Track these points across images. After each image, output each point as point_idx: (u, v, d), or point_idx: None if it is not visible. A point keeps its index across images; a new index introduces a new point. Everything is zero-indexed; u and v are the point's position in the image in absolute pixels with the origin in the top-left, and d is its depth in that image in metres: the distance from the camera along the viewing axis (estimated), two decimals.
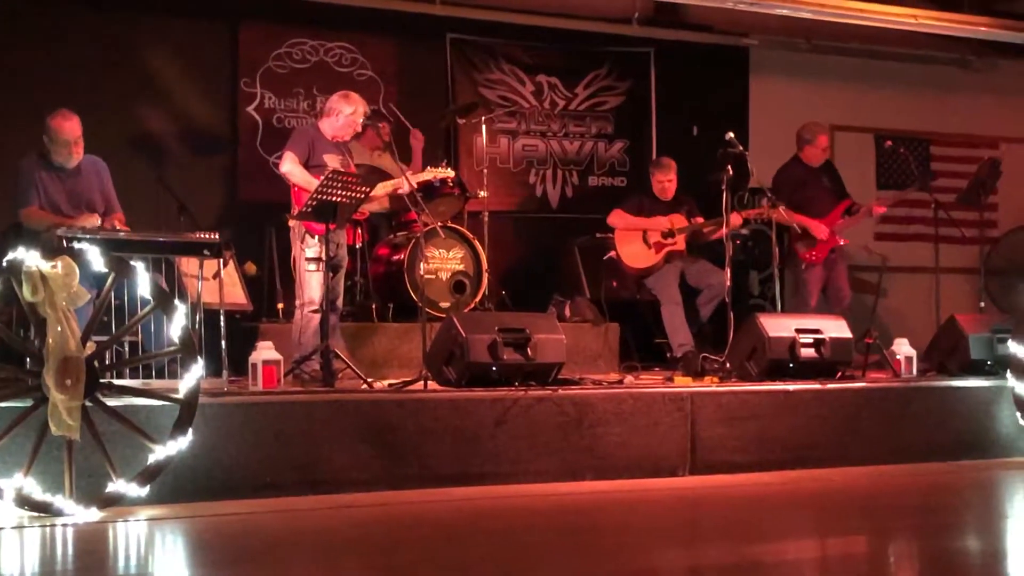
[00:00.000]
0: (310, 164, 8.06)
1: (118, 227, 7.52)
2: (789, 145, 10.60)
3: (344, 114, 8.20)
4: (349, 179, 7.70)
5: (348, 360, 7.74)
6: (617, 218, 9.75)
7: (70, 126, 7.53)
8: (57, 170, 7.58)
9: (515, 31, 10.86)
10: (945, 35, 11.42)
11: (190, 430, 6.11)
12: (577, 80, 11.15)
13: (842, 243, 9.69)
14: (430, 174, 8.87)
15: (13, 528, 5.69)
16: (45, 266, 5.88)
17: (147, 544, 5.65)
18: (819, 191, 9.72)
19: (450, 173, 9.06)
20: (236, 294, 8.12)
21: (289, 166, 8.05)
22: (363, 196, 7.83)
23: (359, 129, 8.44)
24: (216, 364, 7.03)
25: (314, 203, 7.56)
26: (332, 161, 8.06)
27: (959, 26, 10.98)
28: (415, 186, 8.33)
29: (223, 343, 7.09)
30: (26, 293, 5.86)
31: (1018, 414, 8.06)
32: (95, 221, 7.34)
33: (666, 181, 9.73)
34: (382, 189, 8.53)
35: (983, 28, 11.02)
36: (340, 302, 8.30)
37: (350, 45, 10.37)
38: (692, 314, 9.49)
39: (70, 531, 5.70)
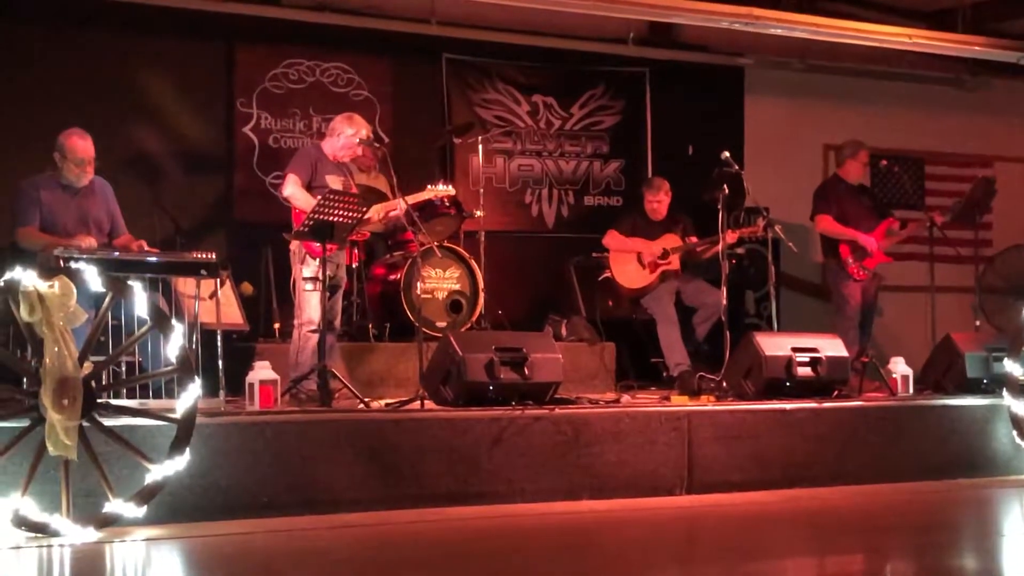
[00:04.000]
0: (313, 185, 8.07)
1: (147, 249, 7.51)
2: (784, 164, 10.64)
3: (345, 135, 8.21)
4: (347, 199, 7.71)
5: (345, 380, 7.75)
6: (611, 239, 9.78)
7: (84, 145, 7.53)
8: (66, 188, 7.57)
9: (510, 51, 10.90)
10: (939, 54, 11.47)
11: (187, 450, 6.10)
12: (573, 100, 11.18)
13: (889, 260, 9.71)
14: (430, 193, 8.90)
15: (10, 549, 5.67)
16: (42, 286, 5.87)
17: (144, 564, 5.64)
18: (860, 208, 9.70)
19: (450, 191, 9.08)
20: (233, 314, 8.12)
21: (291, 189, 8.06)
22: (360, 216, 7.84)
23: (358, 152, 8.46)
24: (213, 384, 7.03)
25: (311, 222, 7.58)
26: (334, 182, 8.08)
27: (953, 45, 11.01)
28: (409, 204, 8.34)
29: (220, 363, 7.10)
30: (23, 313, 5.86)
31: (1014, 432, 8.07)
32: (92, 242, 7.34)
33: (655, 202, 9.75)
34: (380, 210, 8.55)
35: (977, 47, 11.05)
36: (338, 322, 8.31)
37: (346, 65, 10.39)
38: (688, 333, 9.49)
39: (67, 551, 5.69)
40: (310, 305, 7.91)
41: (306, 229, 7.63)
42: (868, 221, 9.64)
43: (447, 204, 9.19)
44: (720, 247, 8.95)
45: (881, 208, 9.97)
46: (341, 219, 7.65)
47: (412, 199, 8.54)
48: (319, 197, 7.64)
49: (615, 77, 11.30)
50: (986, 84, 12.54)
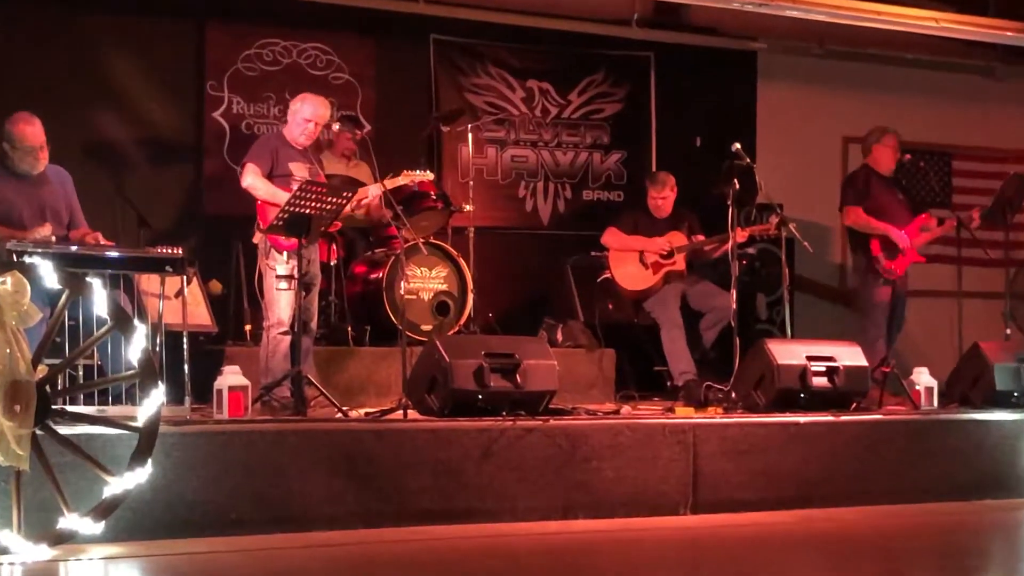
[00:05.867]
0: (275, 174, 8.04)
1: (104, 242, 7.47)
2: (800, 157, 10.62)
3: (300, 114, 8.16)
4: (322, 190, 7.69)
5: (321, 387, 7.74)
6: (611, 237, 9.76)
7: (33, 131, 7.51)
8: (20, 178, 7.55)
9: (504, 32, 10.90)
10: (968, 40, 11.49)
11: (149, 461, 6.09)
12: (571, 86, 11.19)
13: (923, 260, 9.66)
14: (406, 178, 8.79)
15: None
16: None
17: None
18: (892, 201, 9.59)
19: (428, 176, 9.03)
20: (200, 314, 8.13)
21: (251, 179, 8.03)
22: (341, 206, 7.82)
23: (312, 134, 8.29)
24: (178, 390, 7.03)
25: (285, 215, 7.56)
26: (299, 170, 8.06)
27: (984, 30, 11.03)
28: (387, 187, 8.29)
29: (186, 367, 7.09)
30: None
31: None
32: (47, 232, 7.32)
33: (660, 198, 9.73)
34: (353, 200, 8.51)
35: (1010, 33, 11.07)
36: (314, 324, 8.28)
37: (325, 46, 10.39)
38: (694, 339, 9.49)
39: (18, 570, 5.68)
40: (279, 305, 7.91)
41: (280, 223, 7.62)
42: (902, 217, 9.54)
43: (433, 197, 9.19)
44: (729, 246, 8.95)
45: (916, 204, 9.88)
46: (318, 211, 7.63)
47: (391, 184, 8.47)
48: (295, 188, 7.63)
49: (617, 62, 11.32)
50: (1019, 73, 12.57)
